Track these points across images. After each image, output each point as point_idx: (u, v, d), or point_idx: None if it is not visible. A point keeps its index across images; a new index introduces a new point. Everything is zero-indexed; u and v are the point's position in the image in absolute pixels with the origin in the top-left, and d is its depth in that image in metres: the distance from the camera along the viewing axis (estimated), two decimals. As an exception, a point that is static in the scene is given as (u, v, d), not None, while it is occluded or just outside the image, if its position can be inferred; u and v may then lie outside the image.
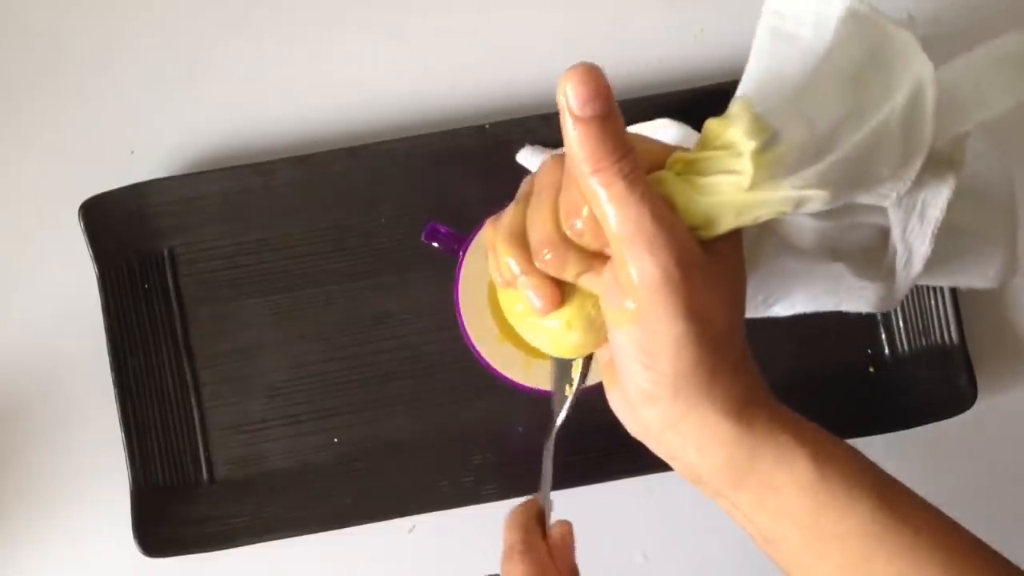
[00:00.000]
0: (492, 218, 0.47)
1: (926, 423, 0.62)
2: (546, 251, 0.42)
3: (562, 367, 0.51)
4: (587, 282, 0.43)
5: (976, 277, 0.52)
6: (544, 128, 0.62)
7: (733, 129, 0.41)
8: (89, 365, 0.63)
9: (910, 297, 0.63)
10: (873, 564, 0.43)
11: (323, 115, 0.65)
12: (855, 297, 0.52)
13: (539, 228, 0.43)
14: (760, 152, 0.40)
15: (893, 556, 0.42)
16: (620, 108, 0.52)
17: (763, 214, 0.41)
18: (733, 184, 0.41)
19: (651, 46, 0.66)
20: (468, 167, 0.62)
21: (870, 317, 0.64)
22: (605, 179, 0.39)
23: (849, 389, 0.63)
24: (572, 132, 0.39)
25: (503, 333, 0.60)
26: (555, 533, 0.51)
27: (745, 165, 0.40)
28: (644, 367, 0.41)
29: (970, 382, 0.62)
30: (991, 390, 0.64)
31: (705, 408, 0.42)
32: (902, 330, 0.64)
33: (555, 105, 0.64)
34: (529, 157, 0.61)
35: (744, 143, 0.40)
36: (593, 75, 0.38)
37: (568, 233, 0.42)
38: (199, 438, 0.63)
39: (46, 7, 0.65)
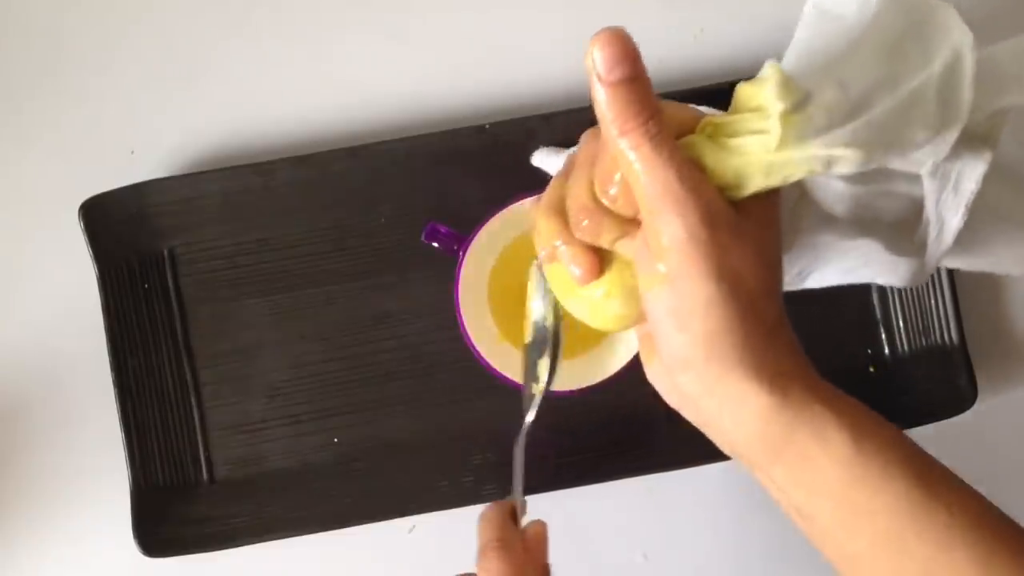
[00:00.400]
0: (534, 198, 0.47)
1: (926, 423, 0.62)
2: (583, 219, 0.43)
3: (531, 366, 0.52)
4: (623, 248, 0.44)
5: (1012, 264, 0.52)
6: (544, 128, 0.62)
7: (762, 91, 0.41)
8: (89, 365, 0.64)
9: (910, 297, 0.64)
10: (905, 542, 0.42)
11: (323, 115, 0.65)
12: (887, 271, 0.52)
13: (576, 197, 0.44)
14: (789, 112, 0.40)
15: (925, 533, 0.42)
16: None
17: (793, 173, 0.41)
18: (761, 143, 0.41)
19: (651, 46, 0.65)
20: (468, 167, 0.62)
21: (870, 317, 0.64)
22: (633, 141, 0.40)
23: (849, 389, 0.61)
24: (600, 95, 0.39)
25: (503, 333, 0.60)
26: (530, 531, 0.52)
27: (773, 125, 0.40)
28: (677, 330, 0.42)
29: (970, 382, 0.62)
30: (991, 390, 0.65)
31: (739, 374, 0.42)
32: (902, 330, 0.64)
33: (552, 105, 0.64)
34: (544, 159, 0.61)
35: (773, 104, 0.41)
36: (620, 38, 0.39)
37: (603, 201, 0.43)
38: (199, 438, 0.64)
39: (47, 8, 0.65)
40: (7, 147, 0.65)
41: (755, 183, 0.42)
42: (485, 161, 0.62)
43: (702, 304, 0.41)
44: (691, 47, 0.66)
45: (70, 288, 0.64)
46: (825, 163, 0.41)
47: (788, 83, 0.41)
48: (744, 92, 0.43)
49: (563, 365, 0.56)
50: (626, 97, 0.39)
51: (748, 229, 0.41)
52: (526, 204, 0.57)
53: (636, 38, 0.66)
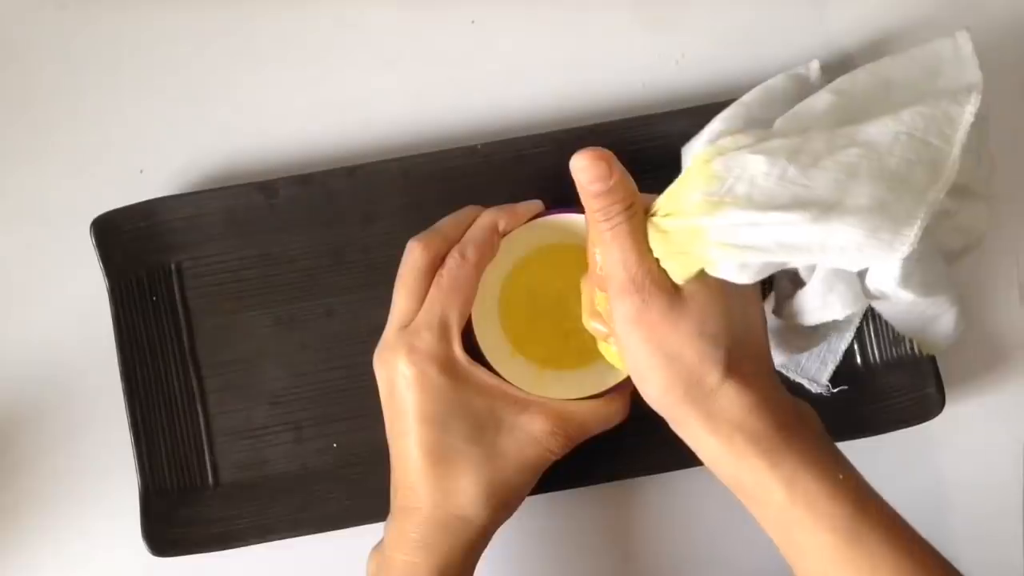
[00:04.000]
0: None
1: (896, 430, 0.63)
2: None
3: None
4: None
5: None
6: (530, 148, 0.63)
7: (684, 188, 0.49)
8: (100, 374, 0.65)
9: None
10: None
11: (323, 136, 0.67)
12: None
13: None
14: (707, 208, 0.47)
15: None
16: (608, 128, 0.60)
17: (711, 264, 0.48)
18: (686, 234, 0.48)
19: (636, 71, 0.68)
20: (460, 185, 0.64)
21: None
22: (595, 232, 0.49)
23: (819, 397, 0.64)
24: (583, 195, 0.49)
25: (515, 344, 0.61)
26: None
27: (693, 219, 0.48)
28: (639, 384, 0.50)
29: (938, 390, 0.63)
30: (959, 398, 0.66)
31: (689, 421, 0.49)
32: (873, 340, 0.65)
33: (542, 126, 0.66)
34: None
35: (691, 202, 0.48)
36: (598, 161, 0.48)
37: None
38: (205, 443, 0.65)
39: (60, 35, 0.67)
40: (24, 166, 0.67)
41: (678, 273, 0.48)
42: (476, 179, 0.64)
43: (641, 372, 0.49)
44: (674, 71, 0.68)
45: (82, 301, 0.65)
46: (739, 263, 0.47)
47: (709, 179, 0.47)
48: (682, 180, 0.49)
49: (568, 375, 0.59)
50: (601, 202, 0.48)
51: (689, 309, 0.47)
52: (548, 219, 0.60)
53: (622, 63, 0.68)
